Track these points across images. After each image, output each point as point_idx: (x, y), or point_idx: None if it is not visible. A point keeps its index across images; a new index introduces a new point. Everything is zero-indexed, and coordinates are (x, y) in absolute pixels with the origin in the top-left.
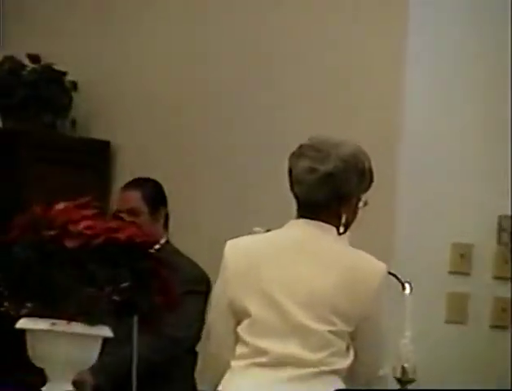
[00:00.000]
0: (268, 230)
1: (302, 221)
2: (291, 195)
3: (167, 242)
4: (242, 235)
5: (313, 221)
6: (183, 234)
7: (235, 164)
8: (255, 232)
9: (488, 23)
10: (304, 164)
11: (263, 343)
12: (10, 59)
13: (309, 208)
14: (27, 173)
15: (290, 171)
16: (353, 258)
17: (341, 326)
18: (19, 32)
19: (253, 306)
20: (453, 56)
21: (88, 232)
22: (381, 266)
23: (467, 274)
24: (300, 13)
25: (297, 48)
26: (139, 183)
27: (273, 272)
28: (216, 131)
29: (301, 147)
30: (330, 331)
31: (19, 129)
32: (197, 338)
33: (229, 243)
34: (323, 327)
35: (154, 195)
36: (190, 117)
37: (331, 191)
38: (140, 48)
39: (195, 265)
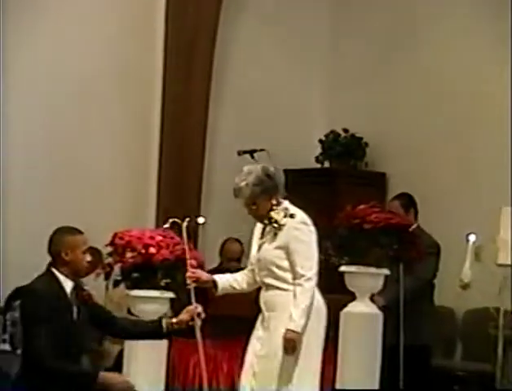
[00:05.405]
0: None
1: None
2: None
3: (418, 226)
4: None
5: None
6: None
7: None
8: None
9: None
10: None
11: None
12: (333, 131)
13: None
14: (343, 199)
15: None
16: None
17: None
18: (340, 112)
19: None
20: None
21: (375, 219)
22: None
23: None
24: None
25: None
26: (398, 196)
27: None
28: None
29: None
30: None
31: (338, 168)
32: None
33: None
34: None
35: (408, 202)
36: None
37: None
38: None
39: (430, 237)
